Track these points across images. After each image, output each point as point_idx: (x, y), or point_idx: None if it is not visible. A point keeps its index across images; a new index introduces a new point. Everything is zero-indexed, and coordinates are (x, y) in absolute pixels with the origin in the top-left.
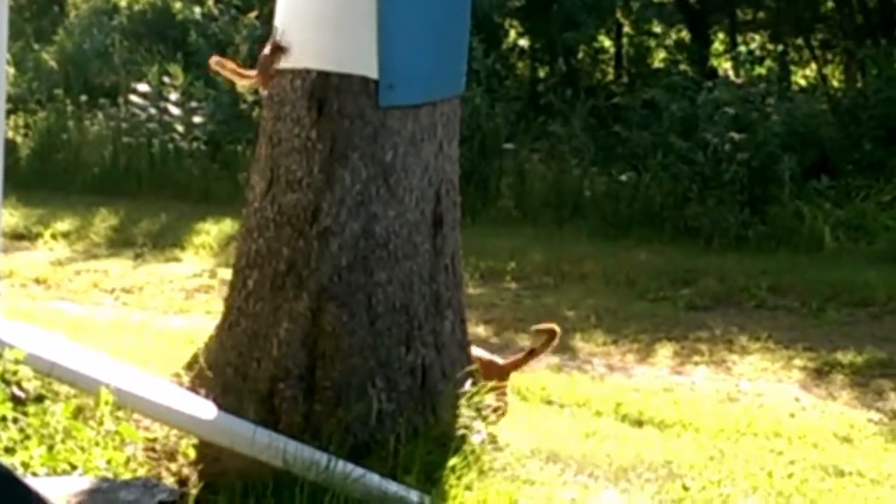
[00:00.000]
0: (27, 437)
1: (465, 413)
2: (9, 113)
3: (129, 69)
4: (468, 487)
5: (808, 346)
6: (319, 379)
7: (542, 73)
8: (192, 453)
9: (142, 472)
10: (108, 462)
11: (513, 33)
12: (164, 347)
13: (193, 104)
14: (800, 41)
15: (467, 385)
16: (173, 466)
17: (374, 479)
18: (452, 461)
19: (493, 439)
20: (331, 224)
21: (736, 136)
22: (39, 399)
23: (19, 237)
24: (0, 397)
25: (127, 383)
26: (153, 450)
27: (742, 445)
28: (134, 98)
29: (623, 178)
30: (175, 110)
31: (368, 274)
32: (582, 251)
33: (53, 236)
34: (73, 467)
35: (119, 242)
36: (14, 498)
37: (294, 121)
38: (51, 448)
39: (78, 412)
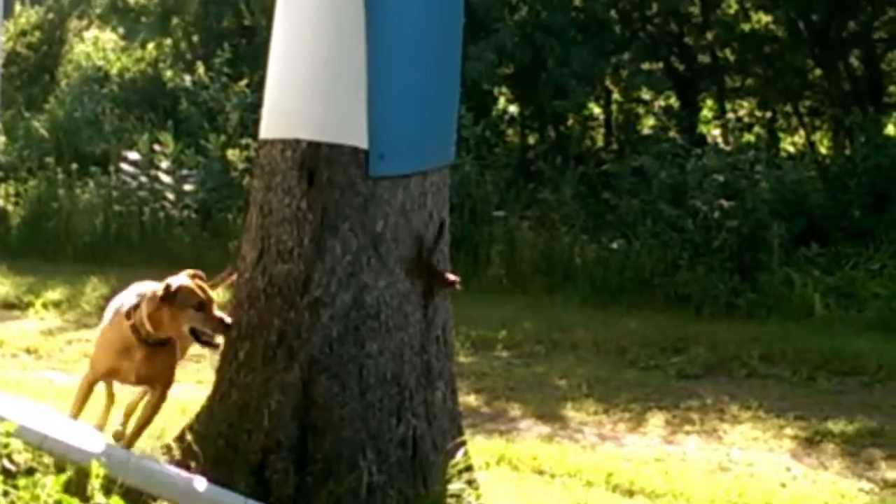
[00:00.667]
0: None
1: (456, 484)
2: (0, 181)
3: (119, 137)
4: None
5: (799, 414)
6: (310, 451)
7: (531, 141)
8: None
9: None
10: None
11: (502, 100)
12: (155, 418)
13: (184, 172)
14: (788, 108)
15: (459, 455)
16: None
17: None
18: None
19: None
20: (321, 295)
21: (725, 203)
22: (30, 472)
23: (10, 306)
24: None
25: (118, 456)
26: None
27: None
28: (125, 166)
29: (613, 245)
30: (166, 178)
31: (359, 345)
32: (573, 319)
33: (44, 305)
34: None
35: None
36: None
37: (285, 191)
38: None
39: (69, 485)
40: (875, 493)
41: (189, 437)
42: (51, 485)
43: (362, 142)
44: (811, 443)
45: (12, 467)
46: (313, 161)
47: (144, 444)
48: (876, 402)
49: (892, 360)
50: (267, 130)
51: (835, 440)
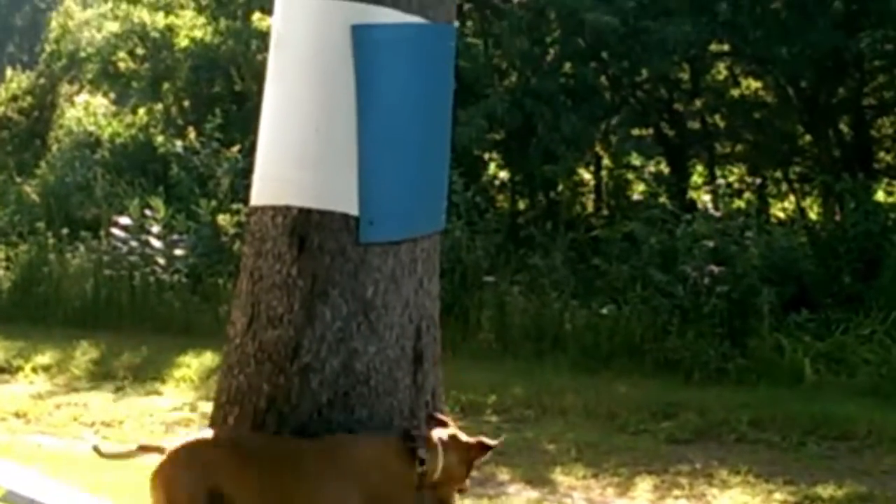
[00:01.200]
0: None
1: None
2: None
3: (110, 202)
4: None
5: (788, 479)
6: None
7: (522, 206)
8: None
9: None
10: None
11: (492, 166)
12: (144, 482)
13: (175, 237)
14: (778, 174)
15: None
16: None
17: None
18: None
19: None
20: (311, 361)
21: (715, 268)
22: None
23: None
24: None
25: None
26: None
27: None
28: (115, 231)
29: (603, 311)
30: (156, 243)
31: (349, 411)
32: (562, 384)
33: (34, 369)
34: None
35: (100, 375)
36: None
37: (275, 257)
38: None
39: None
40: None
41: None
42: None
43: (353, 208)
44: None
45: None
46: (304, 227)
47: None
48: (866, 468)
49: (882, 426)
50: (258, 197)
51: None
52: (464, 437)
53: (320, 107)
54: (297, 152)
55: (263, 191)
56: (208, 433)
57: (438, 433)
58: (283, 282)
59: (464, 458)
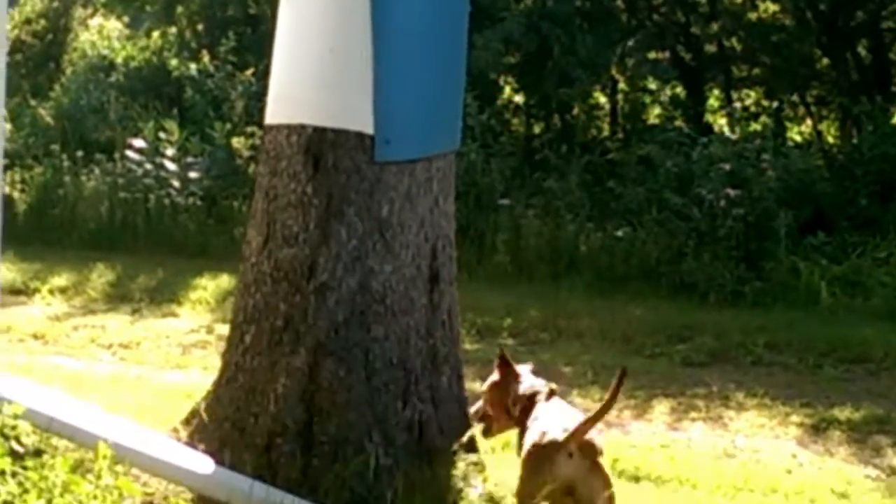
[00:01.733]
0: (26, 491)
1: (462, 468)
2: (5, 169)
3: (125, 125)
4: None
5: (804, 402)
6: (317, 434)
7: (537, 129)
8: None
9: None
10: None
11: (508, 90)
12: (162, 403)
13: (189, 159)
14: (795, 97)
15: (465, 440)
16: None
17: None
18: None
19: (490, 498)
20: (327, 279)
21: (731, 191)
22: (38, 453)
23: (16, 292)
24: None
25: (125, 438)
26: None
27: (739, 501)
28: (130, 154)
29: (619, 233)
30: (171, 166)
31: (365, 329)
32: (578, 307)
33: (51, 291)
34: None
35: (116, 298)
36: None
37: (290, 176)
38: (49, 502)
39: (76, 466)
40: (881, 479)
41: (195, 420)
42: (59, 466)
43: (368, 127)
44: (817, 430)
45: (20, 449)
46: (319, 146)
47: (151, 427)
48: (882, 390)
49: None
50: (272, 116)
51: (841, 427)
52: None
53: (335, 26)
54: (313, 72)
55: (278, 110)
56: None
57: None
58: (298, 201)
59: None
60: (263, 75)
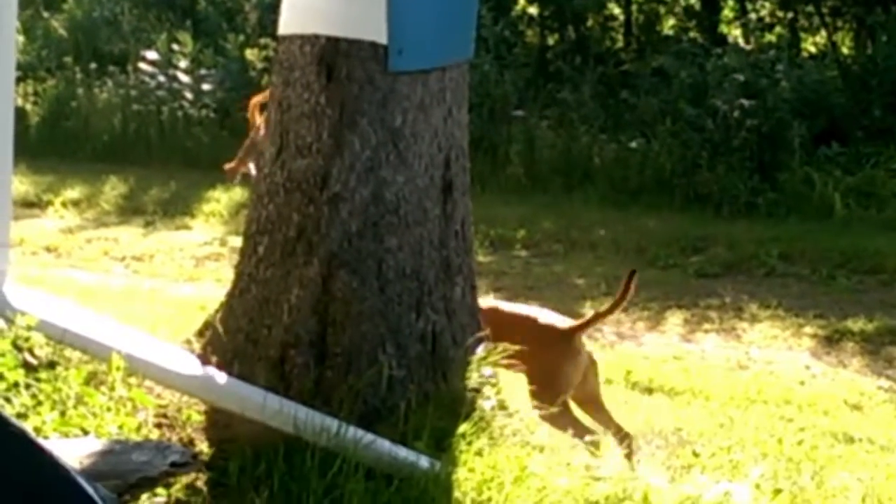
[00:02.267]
0: (39, 403)
1: (476, 379)
2: (18, 81)
3: (138, 37)
4: (479, 453)
5: (818, 313)
6: (330, 345)
7: (551, 41)
8: (203, 419)
9: (153, 437)
10: (120, 427)
11: (522, 0)
12: (175, 315)
13: (202, 72)
14: (810, 8)
15: (478, 351)
16: (184, 433)
17: (385, 444)
18: (463, 427)
19: (503, 405)
20: (340, 190)
21: (745, 102)
22: (51, 365)
23: (29, 205)
24: (12, 363)
25: (138, 350)
26: (164, 416)
27: (752, 413)
28: (143, 66)
29: (632, 145)
30: (184, 78)
31: (378, 240)
32: (591, 219)
33: (63, 204)
34: (85, 432)
35: (129, 210)
36: (28, 457)
37: (303, 86)
38: (63, 413)
39: (90, 378)
40: (894, 390)
41: (209, 332)
42: (72, 378)
43: (381, 37)
44: (830, 341)
45: (34, 361)
46: (332, 56)
47: (164, 339)
48: (895, 301)
49: None
50: (285, 26)
51: (854, 338)
52: None
53: None
54: None
55: (291, 20)
56: None
57: None
58: (311, 111)
59: None
60: None
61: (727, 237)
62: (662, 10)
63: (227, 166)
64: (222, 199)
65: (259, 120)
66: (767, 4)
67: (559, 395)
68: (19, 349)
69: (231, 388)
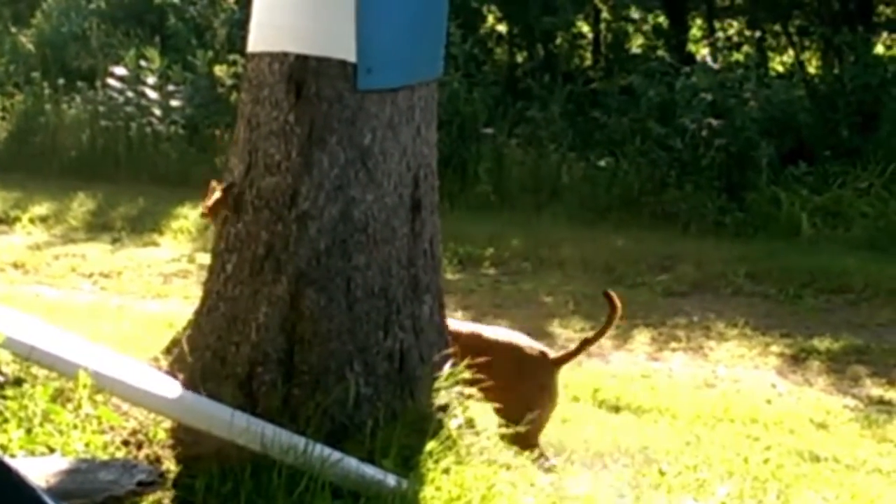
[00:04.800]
0: (6, 421)
1: (443, 397)
2: None
3: (106, 53)
4: (446, 471)
5: (784, 332)
6: (298, 363)
7: (520, 59)
8: (170, 437)
9: (120, 455)
10: (87, 445)
11: (490, 18)
12: (142, 332)
13: (171, 88)
14: (777, 27)
15: (446, 369)
16: (151, 450)
17: (352, 462)
18: (430, 445)
19: (470, 424)
20: (309, 208)
21: (713, 121)
22: (18, 382)
23: None
24: None
25: (105, 367)
26: (132, 433)
27: (718, 431)
28: (111, 81)
29: (601, 163)
30: (152, 94)
31: (347, 258)
32: (560, 236)
33: (31, 220)
34: (52, 450)
35: (97, 227)
36: None
37: (272, 104)
38: (29, 431)
39: (57, 396)
40: (860, 409)
41: (176, 349)
42: (38, 395)
43: (350, 55)
44: (797, 360)
45: (0, 378)
46: (301, 74)
47: (132, 357)
48: (861, 320)
49: (878, 279)
50: (255, 44)
51: (820, 357)
52: None
53: None
54: None
55: (260, 37)
56: None
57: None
58: (280, 129)
59: None
60: (246, 2)
61: (695, 256)
62: (631, 28)
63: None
64: (190, 215)
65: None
66: (735, 24)
67: (539, 428)
68: None
69: (198, 406)
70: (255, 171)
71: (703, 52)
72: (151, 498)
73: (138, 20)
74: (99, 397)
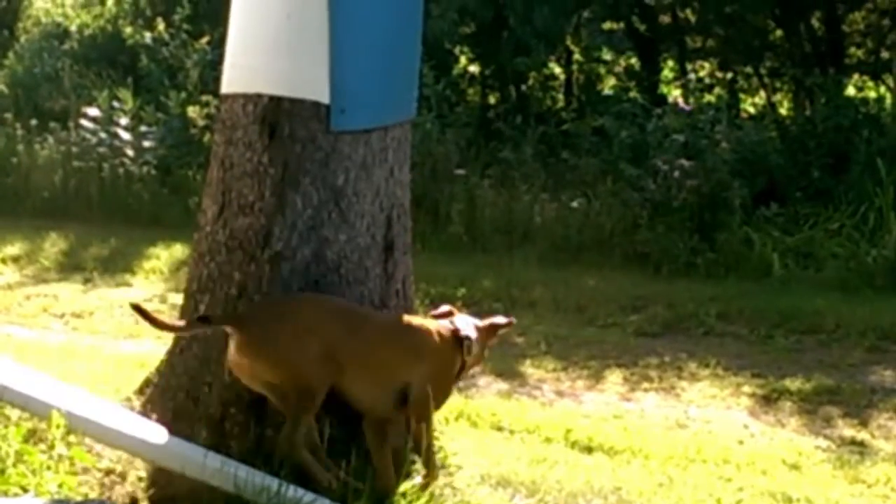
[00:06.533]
0: None
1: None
2: None
3: (79, 93)
4: None
5: (756, 372)
6: (270, 404)
7: (492, 100)
8: (143, 478)
9: (94, 495)
10: (60, 486)
11: (463, 59)
12: (115, 372)
13: (144, 129)
14: (749, 69)
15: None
16: (125, 490)
17: (325, 503)
18: (403, 487)
19: (443, 464)
20: (282, 248)
21: (685, 162)
22: None
23: None
24: None
25: (78, 407)
26: (106, 473)
27: (691, 472)
28: (84, 122)
29: (573, 204)
30: (125, 135)
31: None
32: (532, 277)
33: (3, 260)
34: (25, 490)
35: (69, 267)
36: None
37: (246, 145)
38: (2, 472)
39: (29, 436)
40: (832, 450)
41: (149, 389)
42: (11, 436)
43: (324, 96)
44: (769, 400)
45: None
46: (274, 115)
47: (104, 397)
48: (833, 361)
49: (849, 319)
50: (228, 85)
51: (792, 398)
52: (481, 323)
53: None
54: (269, 40)
55: (234, 78)
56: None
57: (470, 321)
58: (253, 170)
59: (484, 342)
60: (219, 43)
61: (666, 296)
62: (603, 70)
63: None
64: (162, 255)
65: None
66: (707, 65)
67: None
68: None
69: (171, 447)
70: (229, 212)
71: (674, 94)
72: None
73: (111, 61)
74: (72, 438)
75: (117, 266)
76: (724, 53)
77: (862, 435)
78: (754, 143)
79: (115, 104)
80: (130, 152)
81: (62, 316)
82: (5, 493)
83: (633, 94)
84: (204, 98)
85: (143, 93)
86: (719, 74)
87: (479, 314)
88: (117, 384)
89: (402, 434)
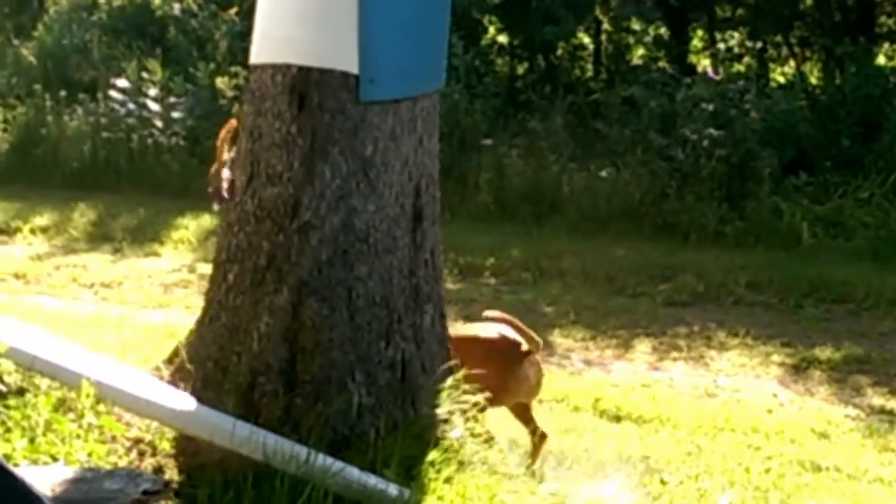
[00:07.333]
0: (9, 430)
1: (445, 407)
2: None
3: (108, 65)
4: (447, 481)
5: (785, 342)
6: (300, 373)
7: (521, 70)
8: (173, 446)
9: (122, 464)
10: (90, 454)
11: (492, 30)
12: (144, 342)
13: (172, 99)
14: (778, 38)
15: (447, 379)
16: (153, 460)
17: (354, 472)
18: (432, 455)
19: (472, 433)
20: (311, 218)
21: (714, 132)
22: (21, 392)
23: None
24: None
25: (108, 377)
26: (135, 442)
27: (720, 441)
28: (113, 93)
29: (602, 174)
30: (154, 106)
31: (348, 268)
32: (560, 247)
33: (32, 231)
34: (55, 459)
35: (98, 237)
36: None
37: (275, 115)
38: (32, 441)
39: (59, 405)
40: (861, 419)
41: (178, 359)
42: (41, 405)
43: (353, 66)
44: (798, 370)
45: (3, 388)
46: (303, 85)
47: (133, 366)
48: (863, 330)
49: (879, 288)
50: (257, 55)
51: (821, 367)
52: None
53: None
54: (298, 10)
55: (263, 49)
56: None
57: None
58: (282, 140)
59: None
60: (248, 14)
61: (695, 266)
62: (632, 39)
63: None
64: (191, 226)
65: (226, 155)
66: (736, 35)
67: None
68: None
69: (200, 416)
70: (257, 182)
71: (704, 63)
72: None
73: (140, 32)
74: (101, 407)
75: (146, 236)
76: (754, 22)
77: (891, 404)
78: (783, 112)
79: (144, 75)
80: (159, 123)
81: (91, 286)
82: (35, 462)
83: (662, 63)
84: (232, 69)
85: (171, 64)
86: (749, 44)
87: (508, 283)
88: (146, 354)
89: None
